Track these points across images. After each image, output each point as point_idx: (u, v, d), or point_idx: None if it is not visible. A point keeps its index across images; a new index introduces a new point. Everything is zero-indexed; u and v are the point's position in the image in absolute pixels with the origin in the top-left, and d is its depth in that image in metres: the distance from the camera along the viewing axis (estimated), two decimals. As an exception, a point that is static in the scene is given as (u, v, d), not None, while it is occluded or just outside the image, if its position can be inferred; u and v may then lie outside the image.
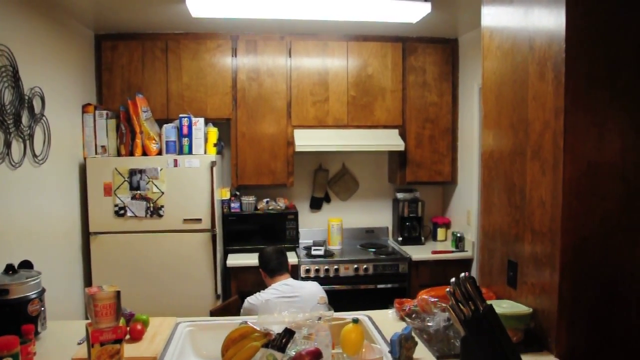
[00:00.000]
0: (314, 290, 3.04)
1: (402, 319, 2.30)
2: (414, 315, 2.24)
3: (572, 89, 1.83)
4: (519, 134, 2.17)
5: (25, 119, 2.76)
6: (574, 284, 1.88)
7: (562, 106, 1.84)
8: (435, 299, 2.21)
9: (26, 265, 2.36)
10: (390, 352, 1.91)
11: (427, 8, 3.29)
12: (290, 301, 2.89)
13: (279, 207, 4.26)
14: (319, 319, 1.91)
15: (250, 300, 2.96)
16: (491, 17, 2.45)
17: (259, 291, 3.02)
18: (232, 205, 4.18)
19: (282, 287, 3.02)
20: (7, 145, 2.58)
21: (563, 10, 1.82)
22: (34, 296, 2.13)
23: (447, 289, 1.77)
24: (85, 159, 3.61)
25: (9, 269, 2.20)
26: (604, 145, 1.87)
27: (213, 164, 3.65)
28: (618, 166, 1.88)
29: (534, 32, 2.04)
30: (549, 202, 1.94)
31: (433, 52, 4.29)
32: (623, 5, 1.86)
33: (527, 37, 2.09)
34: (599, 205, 1.88)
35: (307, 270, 3.87)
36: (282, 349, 1.71)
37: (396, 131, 4.26)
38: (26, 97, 2.78)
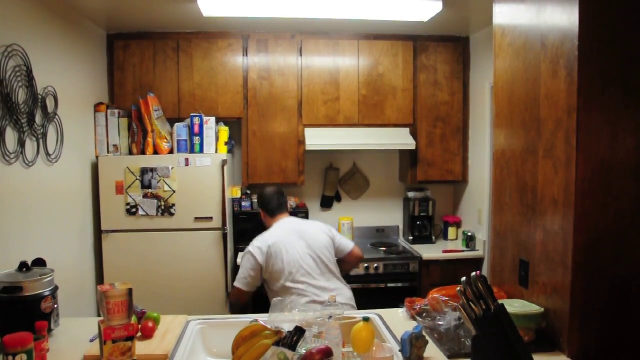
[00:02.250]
0: (320, 225, 3.19)
1: (413, 317, 2.29)
2: (424, 314, 2.24)
3: (585, 87, 1.82)
4: (530, 133, 2.16)
5: (38, 118, 2.79)
6: (586, 283, 1.87)
7: (575, 104, 1.83)
8: (446, 298, 2.20)
9: (39, 262, 2.39)
10: (401, 350, 1.91)
11: (438, 6, 3.28)
12: (297, 238, 3.04)
13: (289, 205, 4.27)
14: (330, 317, 1.92)
15: (256, 245, 3.04)
16: (503, 15, 2.43)
17: (253, 241, 3.10)
18: (243, 203, 4.19)
19: (286, 224, 3.14)
20: (21, 144, 2.60)
21: (576, 7, 1.81)
22: (47, 293, 2.16)
23: (458, 288, 1.76)
24: (97, 157, 3.64)
25: (23, 266, 2.23)
26: (617, 144, 1.85)
27: (224, 162, 3.66)
28: (631, 165, 1.86)
29: (546, 30, 2.03)
30: (561, 201, 1.93)
31: (444, 50, 4.27)
32: (636, 3, 1.84)
33: (540, 35, 2.07)
34: (612, 204, 1.86)
35: (318, 269, 3.86)
36: (292, 347, 1.72)
37: (407, 130, 4.25)
38: (39, 96, 2.80)
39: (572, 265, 1.86)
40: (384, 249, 4.20)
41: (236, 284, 3.09)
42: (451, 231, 4.51)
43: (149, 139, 3.69)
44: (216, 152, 3.79)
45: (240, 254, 3.75)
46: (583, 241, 1.86)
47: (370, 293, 3.90)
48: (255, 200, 4.20)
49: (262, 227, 4.04)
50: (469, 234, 4.16)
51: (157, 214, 3.63)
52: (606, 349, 1.89)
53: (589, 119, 1.83)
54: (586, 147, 1.84)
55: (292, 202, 4.29)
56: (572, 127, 1.86)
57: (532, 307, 2.04)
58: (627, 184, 1.86)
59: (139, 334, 2.09)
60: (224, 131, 3.87)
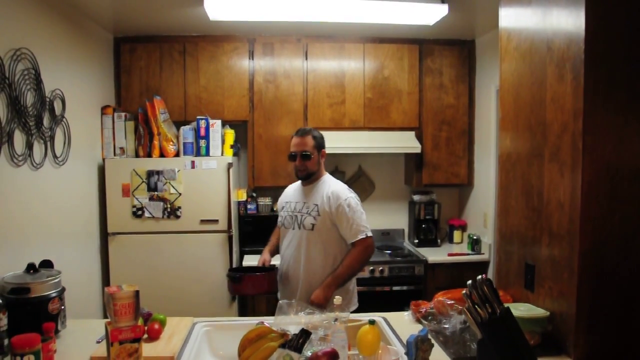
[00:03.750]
0: None
1: (418, 321, 2.29)
2: (430, 318, 2.24)
3: (591, 91, 1.82)
4: (536, 136, 2.16)
5: (46, 121, 2.81)
6: (592, 287, 1.86)
7: (581, 108, 1.83)
8: (452, 301, 2.20)
9: (47, 264, 2.41)
10: (407, 354, 1.90)
11: (444, 10, 3.28)
12: None
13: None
14: (335, 320, 1.92)
15: (355, 197, 2.86)
16: (509, 19, 2.44)
17: (346, 188, 2.87)
18: (249, 206, 4.20)
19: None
20: (29, 146, 2.62)
21: (582, 11, 1.81)
22: (54, 295, 2.17)
23: (464, 292, 1.76)
24: (104, 160, 3.66)
25: (30, 268, 2.25)
26: (624, 147, 1.85)
27: (230, 165, 3.67)
28: (638, 168, 1.86)
29: (552, 34, 2.03)
30: (568, 204, 1.92)
31: (450, 54, 4.27)
32: (643, 6, 1.84)
33: (546, 39, 2.07)
34: (618, 208, 1.86)
35: (323, 272, 3.86)
36: (298, 349, 1.72)
37: (412, 133, 4.25)
38: (47, 100, 2.82)
39: (578, 268, 1.86)
40: (389, 252, 4.20)
41: (370, 233, 2.83)
42: (457, 234, 4.50)
43: (156, 142, 3.71)
44: (222, 155, 3.80)
45: (246, 256, 3.52)
46: (589, 245, 1.85)
47: (376, 296, 3.89)
48: (260, 202, 4.23)
49: (266, 231, 3.99)
50: (475, 237, 4.15)
51: (163, 217, 3.64)
52: (613, 352, 1.89)
53: (595, 123, 1.83)
54: (592, 150, 1.83)
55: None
56: (578, 130, 1.86)
57: (538, 311, 2.04)
58: (633, 188, 1.86)
59: (146, 335, 2.10)
60: (230, 134, 3.88)
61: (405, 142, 4.18)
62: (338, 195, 2.79)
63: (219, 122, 3.81)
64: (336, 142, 4.10)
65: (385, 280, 3.93)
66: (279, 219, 3.02)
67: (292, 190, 3.05)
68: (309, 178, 2.89)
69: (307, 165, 2.84)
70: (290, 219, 2.89)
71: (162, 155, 3.72)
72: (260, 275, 2.82)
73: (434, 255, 4.08)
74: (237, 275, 2.83)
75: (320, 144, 2.91)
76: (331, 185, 2.86)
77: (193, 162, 3.66)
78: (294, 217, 2.87)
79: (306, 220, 2.81)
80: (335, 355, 1.69)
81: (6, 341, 1.89)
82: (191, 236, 3.68)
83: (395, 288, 3.93)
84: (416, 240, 4.42)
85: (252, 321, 2.28)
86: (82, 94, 3.37)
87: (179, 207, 3.64)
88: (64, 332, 2.24)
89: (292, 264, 2.85)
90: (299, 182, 3.00)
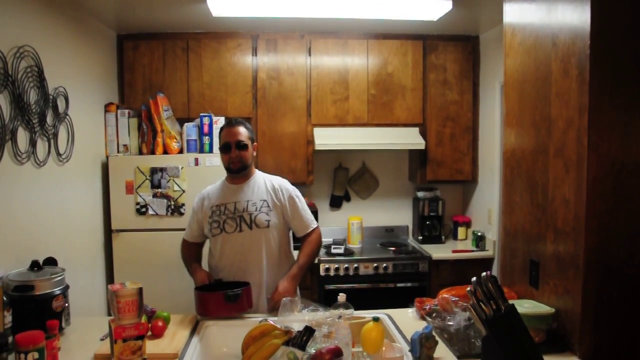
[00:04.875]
0: None
1: (423, 318, 2.29)
2: (434, 315, 2.23)
3: (596, 86, 1.81)
4: (541, 132, 2.14)
5: (49, 119, 2.81)
6: (598, 284, 1.85)
7: (587, 103, 1.82)
8: (456, 298, 2.19)
9: (51, 262, 2.42)
10: (411, 351, 1.90)
11: (448, 5, 3.26)
12: None
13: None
14: (339, 317, 1.92)
15: None
16: (513, 14, 2.42)
17: (286, 180, 2.81)
18: (252, 203, 4.19)
19: None
20: (33, 144, 2.62)
21: (588, 5, 1.80)
22: (58, 292, 2.18)
23: (468, 288, 1.75)
24: (107, 157, 3.66)
25: (34, 265, 2.26)
26: (630, 143, 1.83)
27: (233, 162, 3.66)
28: (644, 164, 1.85)
29: (557, 29, 2.01)
30: (573, 200, 1.91)
31: (454, 49, 4.25)
32: (649, 0, 1.82)
33: (550, 34, 2.06)
34: (623, 204, 1.84)
35: (327, 269, 3.86)
36: (302, 346, 1.72)
37: (416, 129, 4.24)
38: (51, 97, 2.82)
39: (583, 265, 1.85)
40: (393, 249, 4.18)
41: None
42: (461, 231, 4.49)
43: (159, 139, 3.71)
44: (226, 152, 3.79)
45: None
46: (595, 241, 1.84)
47: (380, 293, 3.89)
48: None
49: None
50: (479, 234, 4.14)
51: (166, 214, 3.64)
52: (618, 350, 1.88)
53: (601, 118, 1.82)
54: (598, 146, 1.82)
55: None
56: (583, 126, 1.84)
57: (543, 308, 2.03)
58: (639, 184, 1.85)
59: (149, 333, 2.10)
60: (234, 131, 3.87)
61: (409, 139, 4.16)
62: (286, 187, 2.74)
63: (222, 119, 3.80)
64: (340, 138, 4.09)
65: (389, 277, 3.92)
66: (207, 227, 2.71)
67: (218, 192, 2.75)
68: (244, 171, 2.67)
69: (243, 156, 2.62)
70: (232, 222, 2.62)
71: (165, 152, 3.72)
72: (250, 288, 2.45)
73: (438, 251, 4.07)
74: (238, 291, 2.32)
75: (253, 136, 2.74)
76: (272, 179, 2.76)
77: (196, 159, 3.65)
78: (236, 218, 2.62)
79: (258, 217, 2.60)
80: (339, 352, 1.68)
81: (10, 338, 1.89)
82: (195, 233, 3.67)
83: (399, 285, 3.92)
84: (420, 237, 4.41)
85: (255, 318, 2.28)
86: (86, 91, 3.36)
87: (183, 204, 3.64)
88: (68, 330, 2.25)
89: (250, 269, 2.61)
90: (221, 182, 2.80)
